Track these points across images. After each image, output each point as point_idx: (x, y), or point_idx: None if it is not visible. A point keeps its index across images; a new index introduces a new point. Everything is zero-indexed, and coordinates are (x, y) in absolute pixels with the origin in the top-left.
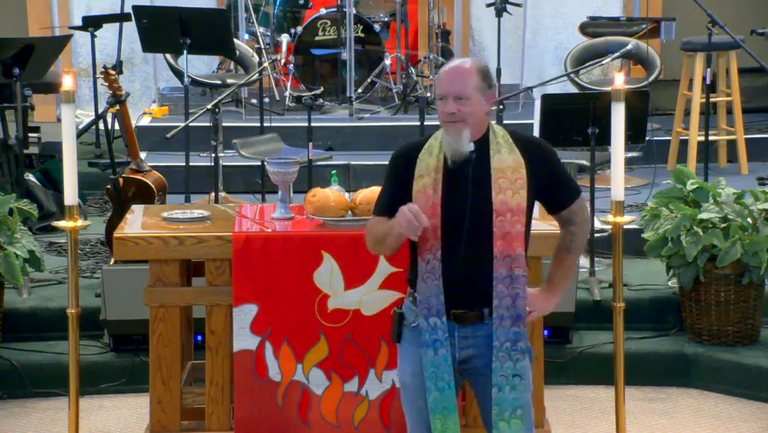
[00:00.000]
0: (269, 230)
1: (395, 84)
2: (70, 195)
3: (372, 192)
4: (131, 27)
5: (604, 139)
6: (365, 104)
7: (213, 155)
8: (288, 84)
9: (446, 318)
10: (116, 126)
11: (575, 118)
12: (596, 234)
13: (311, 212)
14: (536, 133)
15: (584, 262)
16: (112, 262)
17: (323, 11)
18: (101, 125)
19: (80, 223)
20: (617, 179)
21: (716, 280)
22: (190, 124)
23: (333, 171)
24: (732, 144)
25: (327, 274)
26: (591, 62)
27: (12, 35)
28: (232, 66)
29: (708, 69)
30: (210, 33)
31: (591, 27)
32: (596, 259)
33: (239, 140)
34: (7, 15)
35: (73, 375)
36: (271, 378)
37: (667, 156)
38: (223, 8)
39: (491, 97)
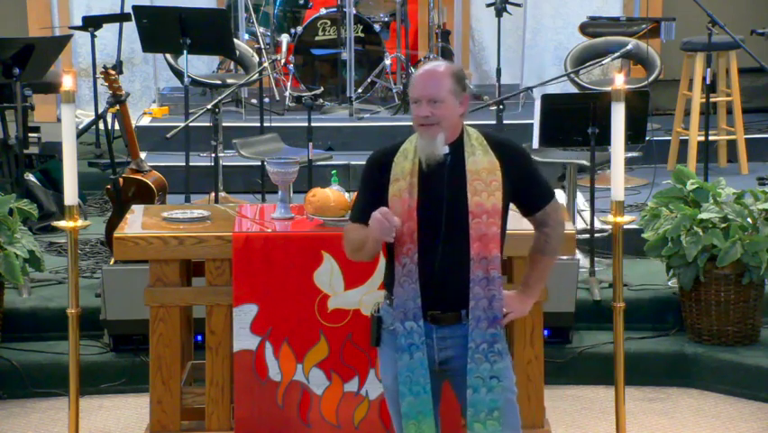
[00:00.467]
0: (269, 230)
1: (395, 84)
2: (70, 195)
3: None
4: (131, 27)
5: (604, 139)
6: (365, 104)
7: (213, 155)
8: (288, 84)
9: (424, 321)
10: (116, 126)
11: (575, 118)
12: (596, 234)
13: (311, 212)
14: (536, 133)
15: (584, 262)
16: (112, 262)
17: (323, 11)
18: (101, 125)
19: (80, 223)
20: (617, 179)
21: (716, 280)
22: (190, 124)
23: (333, 171)
24: (732, 144)
25: (327, 274)
26: (591, 62)
27: (12, 35)
28: (232, 66)
29: (708, 69)
30: (210, 33)
31: (591, 27)
32: (596, 259)
33: (239, 140)
34: (7, 15)
35: (73, 375)
36: (271, 378)
37: (667, 156)
38: (223, 8)
39: (465, 100)
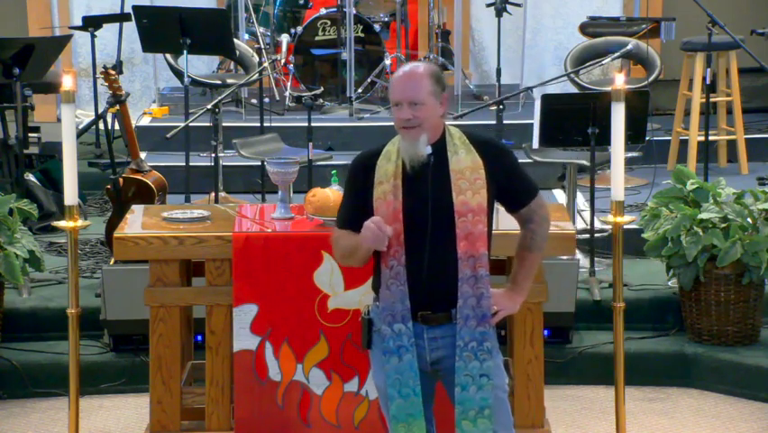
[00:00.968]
0: (269, 230)
1: None
2: (70, 195)
3: None
4: (131, 27)
5: (604, 139)
6: (365, 104)
7: (213, 155)
8: (288, 84)
9: (413, 322)
10: (116, 126)
11: (575, 118)
12: (596, 234)
13: (311, 212)
14: (536, 133)
15: (584, 262)
16: (112, 262)
17: (323, 11)
18: (101, 125)
19: (80, 223)
20: (617, 179)
21: (716, 280)
22: (190, 124)
23: (333, 171)
24: (732, 144)
25: (327, 274)
26: (591, 62)
27: (12, 35)
28: (232, 66)
29: (708, 69)
30: (210, 33)
31: (591, 27)
32: (596, 259)
33: (239, 140)
34: (7, 15)
35: (73, 375)
36: (271, 378)
37: (667, 156)
38: (223, 8)
39: (445, 100)
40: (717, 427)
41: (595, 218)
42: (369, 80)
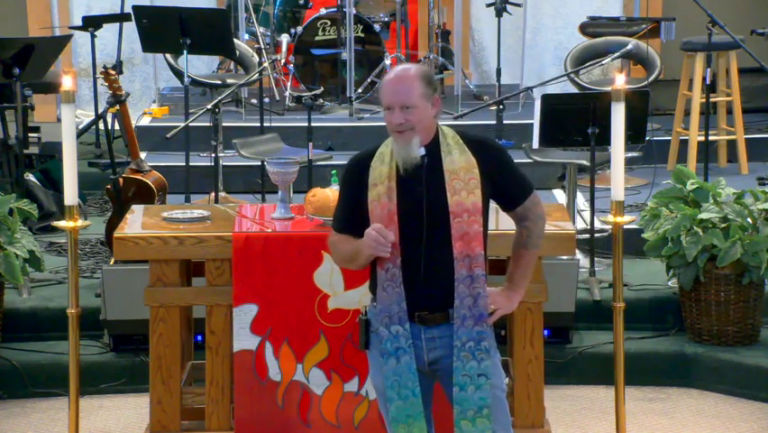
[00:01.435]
0: (269, 230)
1: None
2: (70, 195)
3: None
4: (131, 27)
5: (604, 139)
6: (365, 104)
7: (213, 155)
8: (288, 84)
9: (411, 323)
10: (116, 126)
11: (575, 118)
12: (596, 234)
13: (311, 212)
14: (536, 133)
15: (584, 262)
16: (112, 262)
17: (323, 11)
18: (101, 125)
19: (80, 223)
20: (617, 179)
21: (716, 280)
22: (190, 124)
23: (333, 171)
24: (732, 144)
25: (327, 274)
26: (591, 62)
27: (12, 35)
28: (232, 66)
29: (708, 69)
30: (210, 33)
31: (591, 27)
32: (596, 259)
33: (239, 140)
34: (7, 15)
35: (73, 375)
36: (271, 378)
37: (667, 156)
38: (223, 8)
39: (436, 101)
40: (717, 427)
41: (595, 218)
42: (369, 80)
